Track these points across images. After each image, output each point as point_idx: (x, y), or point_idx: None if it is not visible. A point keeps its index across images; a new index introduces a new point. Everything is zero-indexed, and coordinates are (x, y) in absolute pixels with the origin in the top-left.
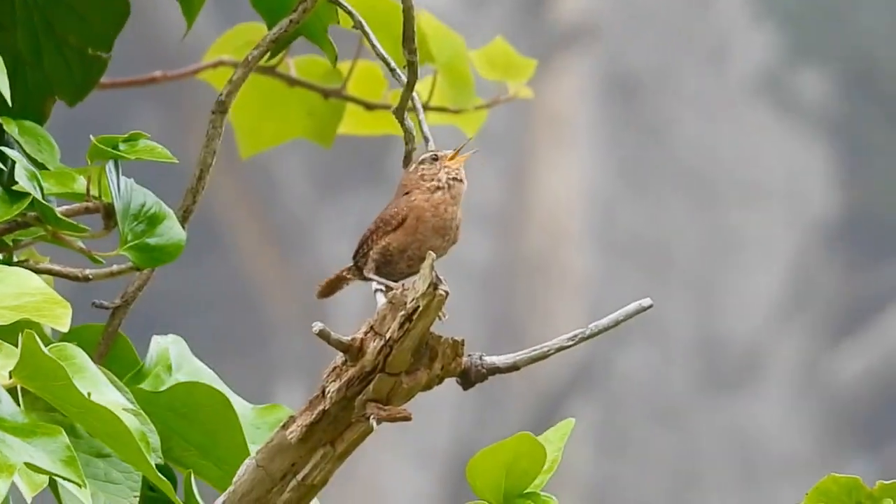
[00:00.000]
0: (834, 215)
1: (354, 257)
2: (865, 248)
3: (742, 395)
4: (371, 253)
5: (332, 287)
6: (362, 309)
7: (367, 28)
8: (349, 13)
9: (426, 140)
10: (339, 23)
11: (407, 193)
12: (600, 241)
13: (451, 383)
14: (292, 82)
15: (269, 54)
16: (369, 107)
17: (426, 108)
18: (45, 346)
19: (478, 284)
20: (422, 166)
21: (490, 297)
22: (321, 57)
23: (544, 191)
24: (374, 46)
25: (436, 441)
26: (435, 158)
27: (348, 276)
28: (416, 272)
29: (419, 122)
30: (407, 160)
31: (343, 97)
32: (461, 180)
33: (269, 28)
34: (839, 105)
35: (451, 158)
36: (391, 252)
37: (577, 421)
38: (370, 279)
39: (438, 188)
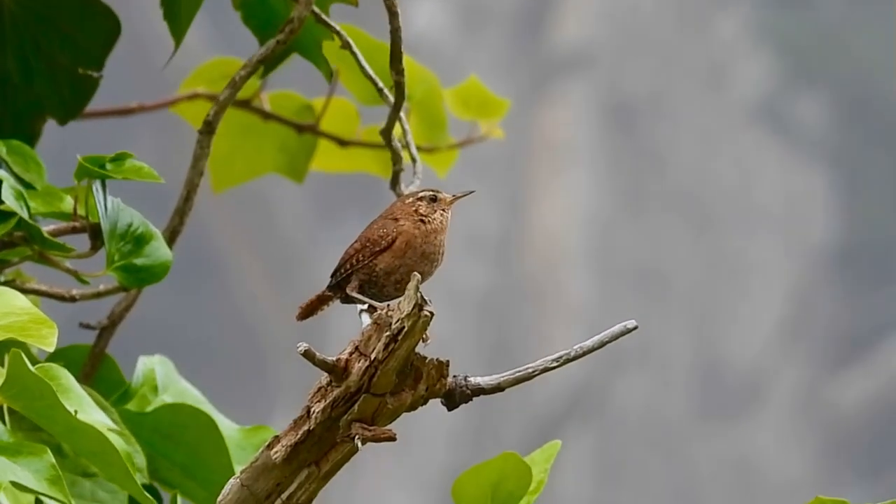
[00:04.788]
0: (833, 241)
1: (333, 275)
2: (865, 273)
3: (741, 422)
4: (356, 272)
5: (312, 308)
6: (356, 332)
7: (354, 48)
8: (337, 33)
9: (414, 161)
10: (333, 39)
11: (396, 219)
12: (598, 266)
13: (444, 409)
14: (266, 116)
15: (258, 75)
16: (343, 143)
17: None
18: (32, 365)
19: (475, 310)
20: (419, 202)
21: (487, 322)
22: (296, 92)
23: (542, 216)
24: (361, 66)
25: (432, 467)
26: (434, 199)
27: (329, 295)
28: (402, 295)
29: (407, 142)
30: (395, 180)
31: (317, 133)
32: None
33: (261, 44)
34: (838, 130)
35: (450, 203)
36: (377, 273)
37: (575, 447)
38: (353, 297)
39: (429, 224)
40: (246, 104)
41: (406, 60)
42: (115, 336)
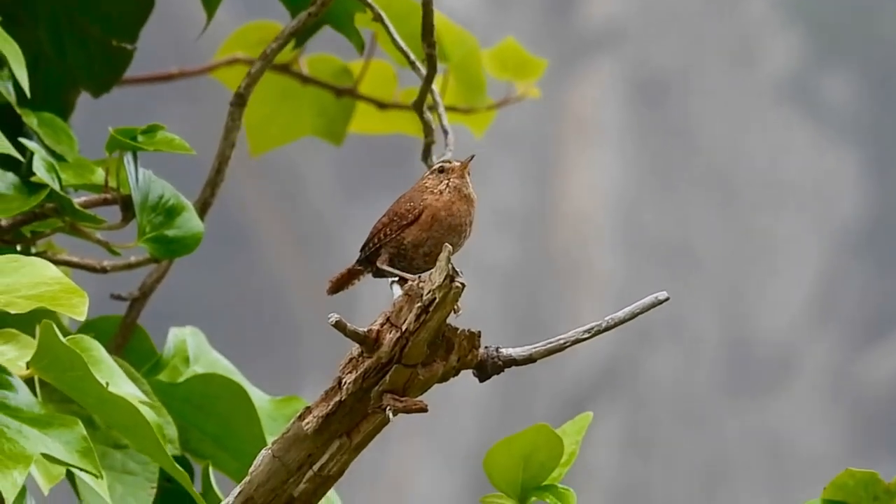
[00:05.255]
0: (862, 218)
1: (363, 249)
2: (894, 250)
3: (770, 398)
4: (385, 245)
5: (342, 282)
6: (387, 305)
7: (386, 20)
8: (368, 5)
9: (445, 133)
10: (364, 12)
11: (422, 193)
12: (626, 242)
13: (475, 384)
14: (305, 80)
15: (293, 44)
16: (381, 106)
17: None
18: (63, 336)
19: (504, 285)
20: (430, 176)
21: (516, 297)
22: (334, 55)
23: (571, 192)
24: (393, 39)
25: (462, 441)
26: (442, 171)
27: (359, 269)
28: (433, 268)
29: (439, 115)
30: (426, 153)
31: (355, 96)
32: (465, 188)
33: (292, 17)
34: (867, 108)
35: (463, 167)
36: (405, 246)
37: (605, 422)
38: (384, 270)
39: (443, 193)
40: (285, 68)
41: (444, 23)
42: (146, 307)
